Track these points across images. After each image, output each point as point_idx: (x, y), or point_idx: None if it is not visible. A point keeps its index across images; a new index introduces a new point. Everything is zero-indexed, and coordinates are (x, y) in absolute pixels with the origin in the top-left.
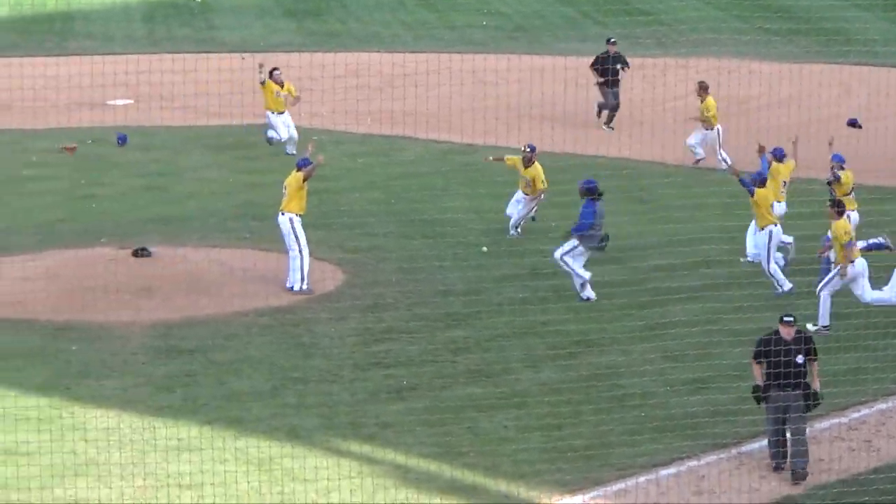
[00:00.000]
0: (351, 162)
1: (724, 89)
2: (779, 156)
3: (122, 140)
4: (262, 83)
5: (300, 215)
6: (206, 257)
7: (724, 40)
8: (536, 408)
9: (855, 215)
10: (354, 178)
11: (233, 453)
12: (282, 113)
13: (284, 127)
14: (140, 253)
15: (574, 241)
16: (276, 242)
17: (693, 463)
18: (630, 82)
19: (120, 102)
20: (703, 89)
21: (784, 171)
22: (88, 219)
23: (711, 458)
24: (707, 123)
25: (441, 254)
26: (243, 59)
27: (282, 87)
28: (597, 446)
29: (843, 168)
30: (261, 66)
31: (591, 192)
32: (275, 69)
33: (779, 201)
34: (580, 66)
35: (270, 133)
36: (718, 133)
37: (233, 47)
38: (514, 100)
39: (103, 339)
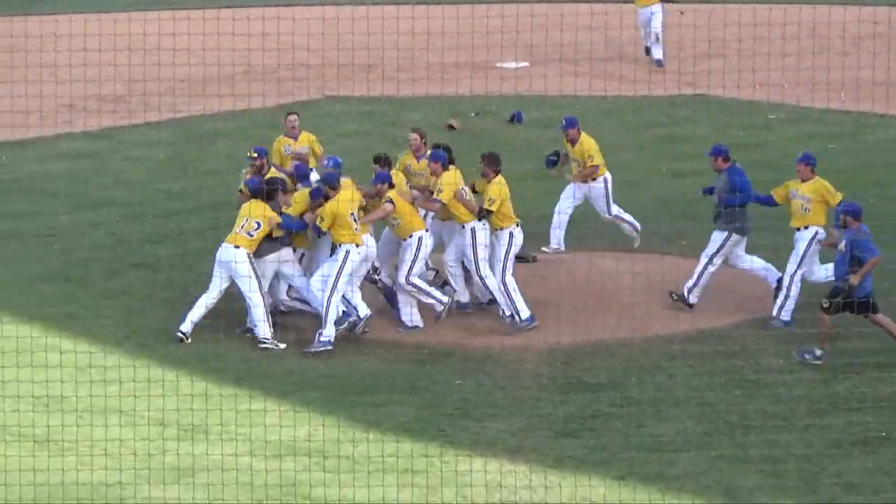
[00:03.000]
0: (807, 145)
1: None
2: None
3: (517, 118)
4: None
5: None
6: (619, 266)
7: None
8: None
9: None
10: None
11: None
12: None
13: None
14: (522, 258)
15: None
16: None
17: None
18: None
19: (512, 65)
20: None
21: None
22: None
23: None
24: None
25: None
26: (681, 13)
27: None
28: None
29: None
30: None
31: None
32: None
33: None
34: None
35: None
36: None
37: None
38: None
39: (487, 368)
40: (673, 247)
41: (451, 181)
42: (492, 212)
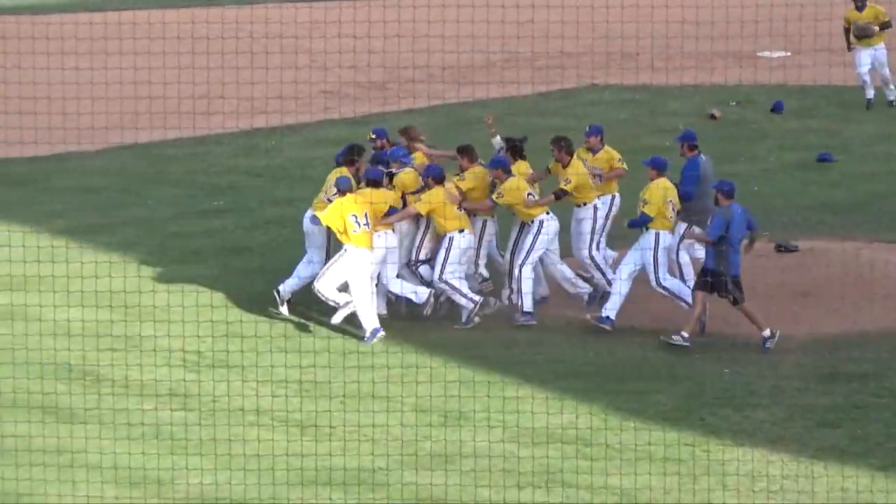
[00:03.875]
0: None
1: None
2: None
3: (778, 108)
4: None
5: None
6: (884, 256)
7: None
8: None
9: None
10: None
11: None
12: None
13: None
14: (784, 248)
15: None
16: None
17: None
18: None
19: (774, 54)
20: None
21: None
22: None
23: None
24: None
25: None
26: None
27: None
28: None
29: None
30: None
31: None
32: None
33: None
34: None
35: None
36: None
37: None
38: None
39: (749, 357)
40: None
41: (513, 186)
42: (568, 192)
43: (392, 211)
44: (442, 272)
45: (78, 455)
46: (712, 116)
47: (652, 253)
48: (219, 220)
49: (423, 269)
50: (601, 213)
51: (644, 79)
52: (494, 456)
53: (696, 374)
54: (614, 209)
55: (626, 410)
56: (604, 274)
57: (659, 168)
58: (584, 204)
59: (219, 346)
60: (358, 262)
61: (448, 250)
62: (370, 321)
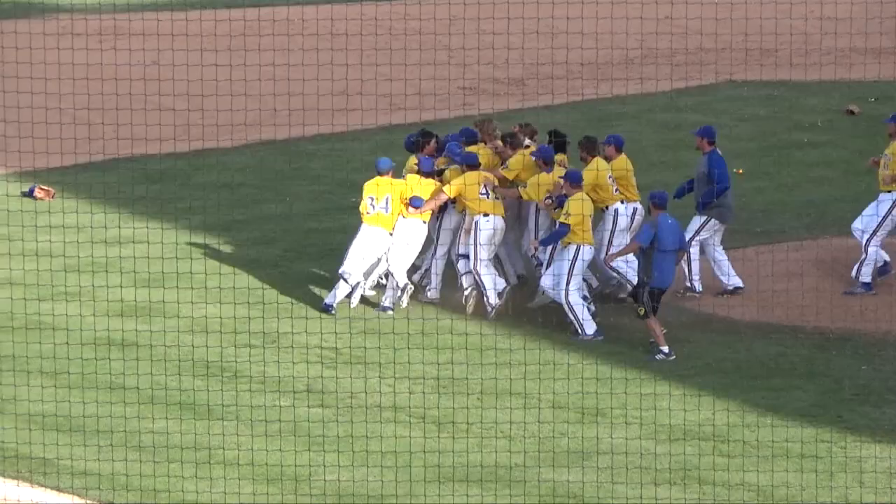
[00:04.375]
0: None
1: None
2: None
3: None
4: None
5: None
6: None
7: None
8: None
9: None
10: None
11: None
12: None
13: None
14: None
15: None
16: None
17: None
18: None
19: None
20: None
21: None
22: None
23: None
24: None
25: None
26: None
27: None
28: None
29: None
30: None
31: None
32: None
33: None
34: None
35: None
36: None
37: None
38: None
39: (886, 354)
40: None
41: (536, 183)
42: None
43: (416, 200)
44: (476, 263)
45: (215, 451)
46: (851, 112)
47: (569, 264)
48: (357, 216)
49: (462, 264)
50: (622, 220)
51: (783, 75)
52: (631, 453)
53: (833, 370)
54: (638, 217)
55: (763, 407)
56: (624, 276)
57: (575, 182)
58: (606, 208)
59: (356, 342)
60: (367, 237)
61: (476, 235)
62: (339, 293)
